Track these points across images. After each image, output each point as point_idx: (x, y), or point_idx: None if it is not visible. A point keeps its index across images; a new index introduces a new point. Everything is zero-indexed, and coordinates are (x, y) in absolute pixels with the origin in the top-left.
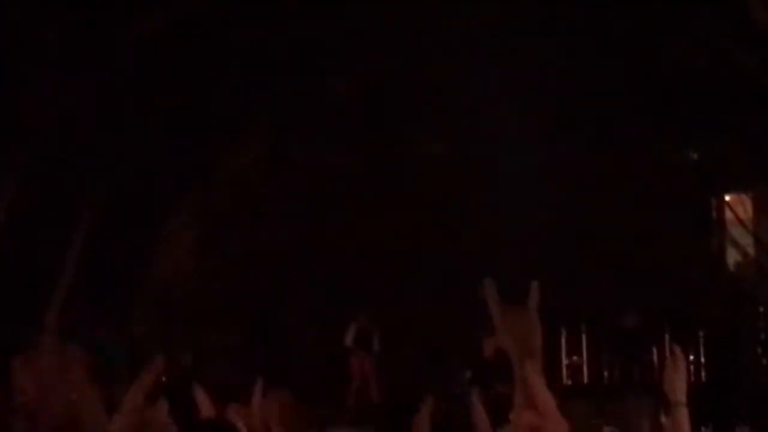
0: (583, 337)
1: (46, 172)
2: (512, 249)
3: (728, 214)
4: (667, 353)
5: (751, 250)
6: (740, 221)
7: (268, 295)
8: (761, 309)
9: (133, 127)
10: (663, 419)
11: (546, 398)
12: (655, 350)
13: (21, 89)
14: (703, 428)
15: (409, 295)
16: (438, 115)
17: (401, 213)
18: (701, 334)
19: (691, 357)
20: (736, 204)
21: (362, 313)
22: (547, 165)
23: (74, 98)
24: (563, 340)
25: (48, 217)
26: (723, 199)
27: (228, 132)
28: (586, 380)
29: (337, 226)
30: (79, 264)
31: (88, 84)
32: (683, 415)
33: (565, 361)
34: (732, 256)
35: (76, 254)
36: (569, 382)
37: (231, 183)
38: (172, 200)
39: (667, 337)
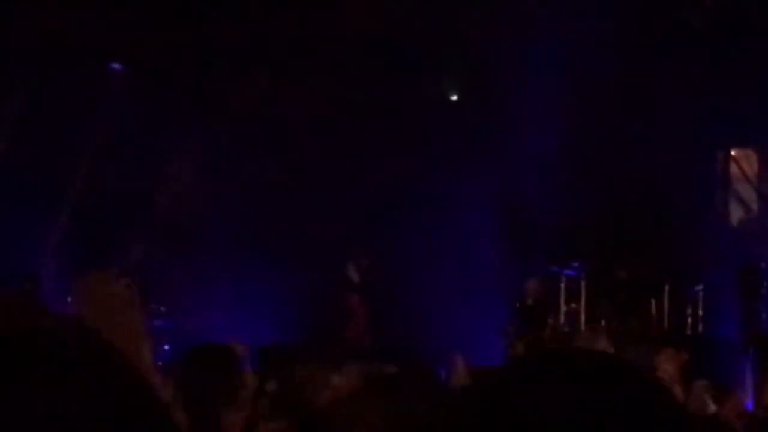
0: (582, 285)
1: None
2: (512, 196)
3: (733, 169)
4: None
5: (754, 206)
6: (745, 176)
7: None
8: (763, 265)
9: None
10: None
11: None
12: (653, 302)
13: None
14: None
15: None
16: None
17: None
18: (701, 287)
19: (689, 311)
20: (741, 159)
21: (362, 254)
22: (554, 116)
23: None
24: (562, 287)
25: (48, 152)
26: (729, 153)
27: (230, 68)
28: (583, 327)
29: (337, 163)
30: (81, 198)
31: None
32: None
33: (563, 308)
34: (736, 212)
35: (79, 188)
36: (567, 329)
37: (232, 118)
38: (176, 135)
39: (666, 289)
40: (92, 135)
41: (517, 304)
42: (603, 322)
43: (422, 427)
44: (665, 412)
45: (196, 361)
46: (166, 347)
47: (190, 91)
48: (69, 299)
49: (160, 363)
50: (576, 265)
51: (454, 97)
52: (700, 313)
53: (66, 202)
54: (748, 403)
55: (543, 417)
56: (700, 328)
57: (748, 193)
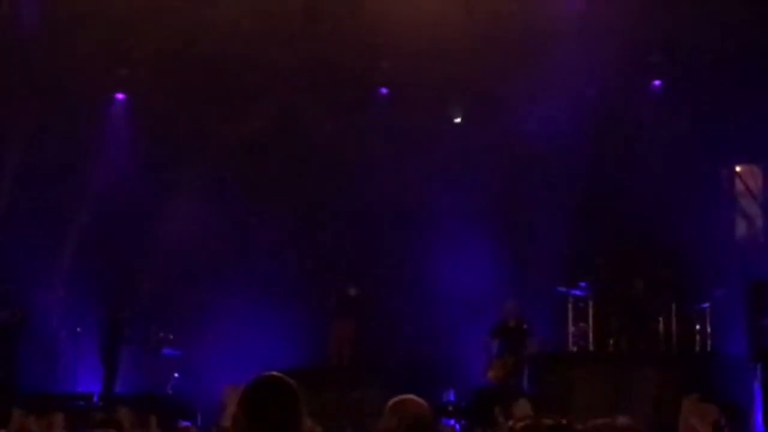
0: (590, 304)
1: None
2: (526, 219)
3: (738, 185)
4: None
5: (759, 222)
6: (750, 192)
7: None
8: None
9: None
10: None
11: None
12: (661, 320)
13: None
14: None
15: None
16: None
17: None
18: (707, 304)
19: (698, 327)
20: (746, 175)
21: (348, 280)
22: (556, 135)
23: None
24: (570, 307)
25: (52, 186)
26: (733, 169)
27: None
28: (591, 348)
29: (339, 194)
30: (87, 231)
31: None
32: None
33: (571, 329)
34: (741, 228)
35: (84, 221)
36: (574, 349)
37: (237, 149)
38: (178, 167)
39: (673, 307)
40: (97, 166)
41: (495, 326)
42: (611, 342)
43: None
44: None
45: (264, 392)
46: (176, 375)
47: (192, 124)
48: (78, 330)
49: (170, 391)
50: (583, 285)
51: (458, 120)
52: (708, 330)
53: (72, 235)
54: (758, 418)
55: None
56: (708, 345)
57: (753, 209)
